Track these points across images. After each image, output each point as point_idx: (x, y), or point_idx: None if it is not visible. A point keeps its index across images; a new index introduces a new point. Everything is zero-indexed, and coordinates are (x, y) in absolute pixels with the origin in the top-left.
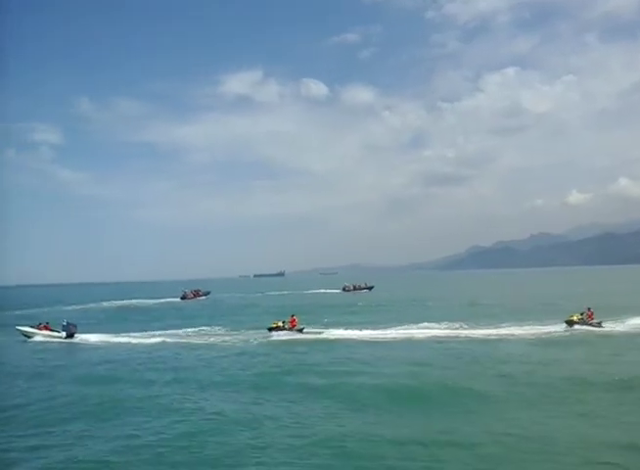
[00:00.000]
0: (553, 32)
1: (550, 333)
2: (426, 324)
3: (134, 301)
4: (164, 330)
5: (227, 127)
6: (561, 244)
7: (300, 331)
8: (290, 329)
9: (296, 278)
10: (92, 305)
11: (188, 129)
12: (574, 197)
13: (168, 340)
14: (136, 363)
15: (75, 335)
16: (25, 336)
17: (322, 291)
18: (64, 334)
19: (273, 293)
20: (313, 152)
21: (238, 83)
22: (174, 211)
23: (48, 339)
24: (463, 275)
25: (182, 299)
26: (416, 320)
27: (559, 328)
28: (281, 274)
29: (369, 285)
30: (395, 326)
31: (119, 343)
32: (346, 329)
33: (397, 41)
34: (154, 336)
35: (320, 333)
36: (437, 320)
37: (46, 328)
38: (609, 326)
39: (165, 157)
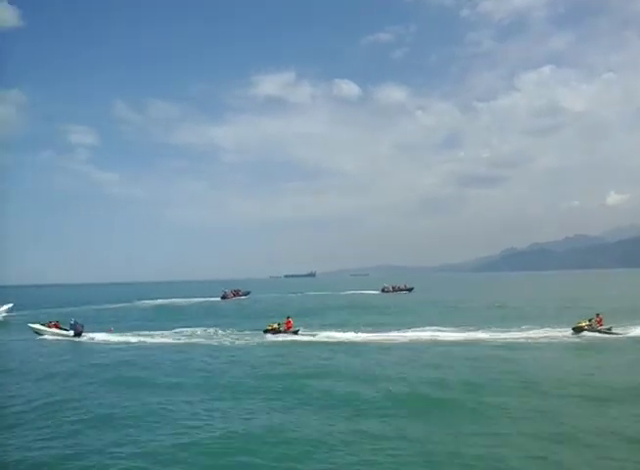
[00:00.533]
0: (591, 29)
1: (556, 339)
2: (437, 327)
3: (174, 300)
4: (180, 328)
5: (259, 128)
6: (598, 246)
7: (296, 333)
8: (285, 331)
9: (326, 279)
10: (137, 302)
11: (220, 130)
12: (612, 198)
13: (172, 340)
14: (131, 363)
15: (83, 333)
16: (37, 333)
17: (360, 292)
18: (72, 332)
19: (311, 293)
20: (345, 152)
21: (270, 85)
22: (206, 211)
23: (57, 337)
24: (497, 278)
25: (222, 298)
26: (437, 323)
27: (566, 334)
28: (312, 275)
29: (408, 286)
30: (408, 328)
31: (126, 342)
32: (347, 332)
33: (431, 40)
34: (163, 336)
35: (314, 335)
36: (454, 324)
37: (56, 326)
38: (621, 332)
39: (198, 157)
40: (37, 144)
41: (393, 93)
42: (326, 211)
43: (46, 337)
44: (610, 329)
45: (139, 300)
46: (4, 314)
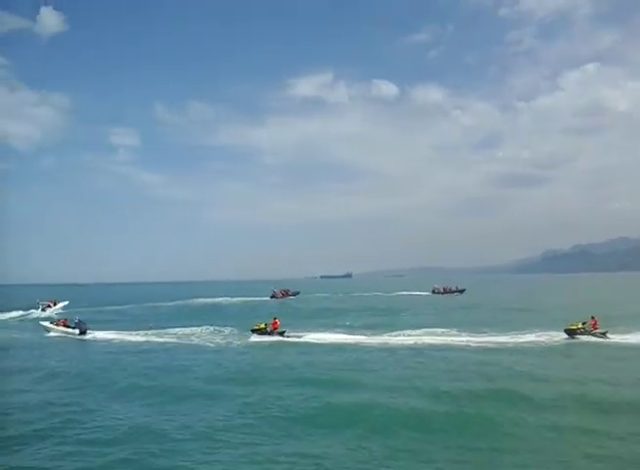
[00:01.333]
0: (637, 26)
1: (547, 343)
2: (436, 330)
3: (220, 299)
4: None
5: (297, 130)
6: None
7: (281, 334)
8: (271, 332)
9: (362, 280)
10: (179, 302)
11: (258, 132)
12: None
13: (172, 339)
14: (122, 362)
15: (88, 332)
16: (46, 330)
17: (409, 293)
18: (77, 331)
19: (358, 294)
20: (382, 153)
21: (308, 86)
22: (243, 212)
23: (62, 334)
24: (540, 280)
25: (271, 298)
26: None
27: (558, 338)
28: (348, 276)
29: (460, 288)
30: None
31: (127, 341)
32: (335, 333)
33: (469, 40)
34: (167, 335)
35: (300, 337)
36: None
37: (64, 325)
38: (618, 337)
39: (237, 159)
40: (80, 146)
41: (431, 93)
42: (362, 212)
43: (52, 334)
44: (604, 334)
45: (196, 298)
46: (59, 311)
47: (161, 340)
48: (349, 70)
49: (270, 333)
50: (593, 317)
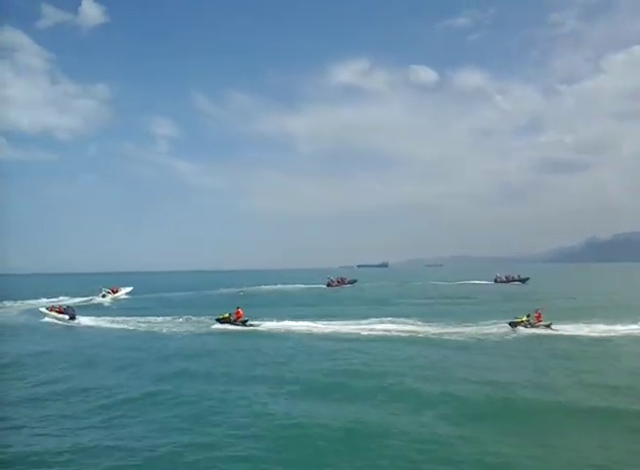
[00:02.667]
0: None
1: (488, 334)
2: (390, 319)
3: (279, 286)
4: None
5: (334, 117)
6: None
7: (244, 323)
8: (234, 321)
9: (399, 269)
10: (233, 289)
11: (296, 120)
12: None
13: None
14: (97, 346)
15: (76, 317)
16: (43, 315)
17: (472, 282)
18: (67, 316)
19: (419, 283)
20: (421, 139)
21: (345, 73)
22: (280, 200)
23: (54, 320)
24: (588, 268)
25: (327, 286)
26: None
27: (501, 330)
28: (384, 265)
29: (522, 277)
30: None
31: (108, 328)
32: (298, 321)
33: (511, 23)
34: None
35: (258, 325)
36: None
37: (58, 311)
38: (564, 329)
39: (273, 147)
40: (120, 136)
41: (471, 78)
42: (400, 200)
43: (46, 319)
44: (549, 325)
45: (264, 285)
46: (124, 296)
47: (145, 326)
48: (387, 56)
49: (234, 322)
50: (537, 310)
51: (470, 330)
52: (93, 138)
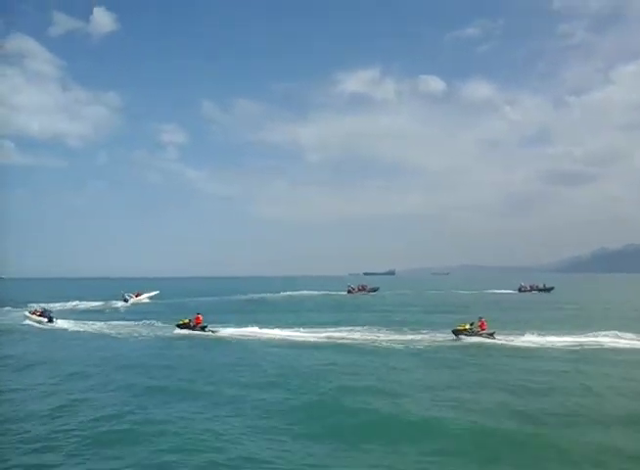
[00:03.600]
0: None
1: (433, 342)
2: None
3: (296, 292)
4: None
5: (342, 126)
6: None
7: (203, 329)
8: (194, 326)
9: (406, 278)
10: (264, 295)
11: (304, 129)
12: None
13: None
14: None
15: (54, 320)
16: (25, 318)
17: (495, 291)
18: (46, 319)
19: (433, 292)
20: (429, 149)
21: (354, 82)
22: (287, 208)
23: (34, 323)
24: (601, 279)
25: (348, 293)
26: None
27: (447, 337)
28: (391, 273)
29: (548, 286)
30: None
31: (77, 330)
32: (260, 328)
33: (520, 34)
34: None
35: (216, 331)
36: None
37: (40, 314)
38: (506, 339)
39: (281, 156)
40: (130, 143)
41: (480, 88)
42: (407, 209)
43: (27, 322)
44: (492, 334)
45: (283, 291)
46: (146, 300)
47: (120, 331)
48: (397, 65)
49: (193, 327)
50: (481, 318)
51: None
52: (103, 145)
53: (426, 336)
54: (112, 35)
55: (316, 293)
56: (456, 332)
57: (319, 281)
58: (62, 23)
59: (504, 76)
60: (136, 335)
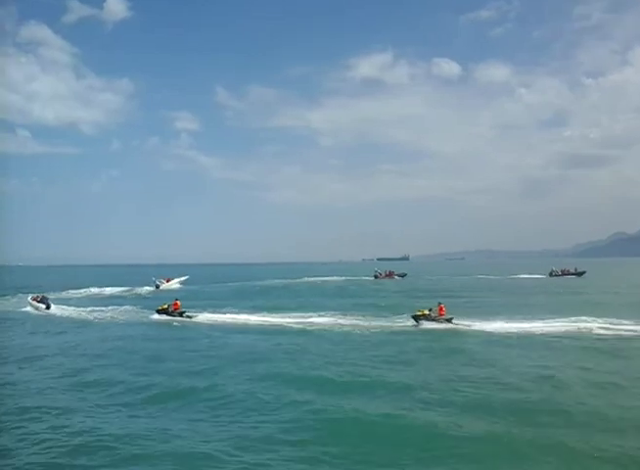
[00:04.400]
0: None
1: (392, 327)
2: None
3: (328, 278)
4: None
5: (356, 111)
6: None
7: (181, 314)
8: (172, 312)
9: (421, 262)
10: (288, 281)
11: (317, 114)
12: None
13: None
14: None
15: (51, 306)
16: (27, 304)
17: (526, 276)
18: (44, 306)
19: (463, 277)
20: (443, 133)
21: (368, 66)
22: (301, 194)
23: (31, 309)
24: (616, 263)
25: (375, 278)
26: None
27: (406, 323)
28: (405, 258)
29: (579, 270)
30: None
31: (67, 316)
32: (239, 313)
33: (536, 16)
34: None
35: (194, 317)
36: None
37: (40, 300)
38: (464, 324)
39: (294, 141)
40: (144, 130)
41: (496, 71)
42: (421, 194)
43: (27, 308)
44: (450, 320)
45: (307, 277)
46: (176, 285)
47: (108, 316)
48: (410, 49)
49: (171, 313)
50: (440, 303)
51: None
52: (117, 132)
53: None
54: (125, 22)
55: (340, 278)
56: (416, 317)
57: (339, 267)
58: (75, 10)
59: (520, 59)
60: (116, 320)
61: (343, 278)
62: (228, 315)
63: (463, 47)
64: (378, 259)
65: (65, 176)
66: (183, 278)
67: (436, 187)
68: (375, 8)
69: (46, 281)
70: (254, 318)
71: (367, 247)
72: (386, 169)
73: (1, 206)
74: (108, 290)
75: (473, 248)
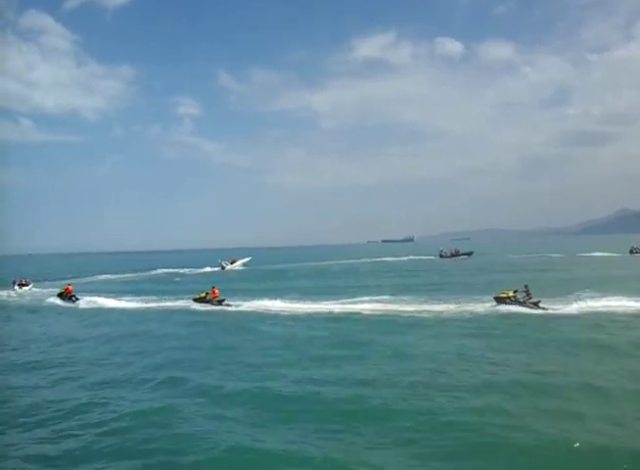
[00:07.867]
0: None
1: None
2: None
3: (389, 259)
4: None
5: (358, 92)
6: None
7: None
8: (211, 300)
9: (426, 243)
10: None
11: (319, 96)
12: None
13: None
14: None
15: (20, 287)
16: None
17: (599, 254)
18: (17, 288)
19: (532, 255)
20: (446, 113)
21: (370, 47)
22: (304, 177)
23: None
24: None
25: (440, 257)
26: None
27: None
28: (410, 239)
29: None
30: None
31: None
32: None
33: None
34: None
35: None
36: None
37: (25, 285)
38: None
39: (297, 124)
40: (145, 116)
41: (499, 49)
42: (425, 174)
43: (16, 288)
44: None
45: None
46: (239, 267)
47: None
48: (412, 29)
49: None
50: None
51: None
52: (118, 118)
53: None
54: (126, 9)
55: (404, 258)
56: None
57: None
58: None
59: (523, 37)
60: (155, 308)
61: (406, 258)
62: (265, 303)
63: (465, 26)
64: (382, 241)
65: (67, 164)
66: (247, 259)
67: (440, 167)
68: None
69: (63, 269)
70: (302, 306)
71: (369, 230)
72: (389, 151)
73: (9, 196)
74: (128, 276)
75: (476, 228)
